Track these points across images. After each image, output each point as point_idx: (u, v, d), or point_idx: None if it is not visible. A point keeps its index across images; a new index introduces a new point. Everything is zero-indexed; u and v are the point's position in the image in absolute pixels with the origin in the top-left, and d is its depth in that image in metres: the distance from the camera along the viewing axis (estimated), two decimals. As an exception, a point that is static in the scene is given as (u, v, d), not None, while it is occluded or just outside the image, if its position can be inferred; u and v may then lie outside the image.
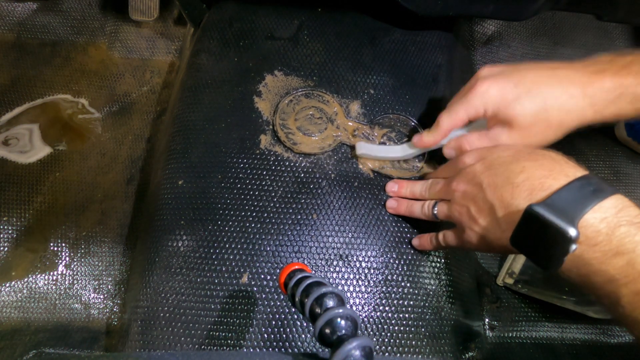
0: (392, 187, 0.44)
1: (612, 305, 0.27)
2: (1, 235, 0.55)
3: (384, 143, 0.47)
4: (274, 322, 0.39)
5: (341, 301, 0.22)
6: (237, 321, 0.39)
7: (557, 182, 0.29)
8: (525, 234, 0.28)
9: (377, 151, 0.45)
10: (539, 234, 0.27)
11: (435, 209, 0.39)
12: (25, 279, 0.54)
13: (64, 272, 0.55)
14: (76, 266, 0.55)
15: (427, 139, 0.42)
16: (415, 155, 0.46)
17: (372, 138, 0.47)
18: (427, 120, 0.49)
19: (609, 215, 0.26)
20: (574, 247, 0.26)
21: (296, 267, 0.26)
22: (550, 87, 0.35)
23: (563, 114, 0.35)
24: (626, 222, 0.26)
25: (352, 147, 0.46)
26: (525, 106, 0.35)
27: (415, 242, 0.43)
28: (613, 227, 0.26)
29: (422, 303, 0.42)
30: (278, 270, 0.41)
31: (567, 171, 0.30)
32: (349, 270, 0.42)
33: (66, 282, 0.54)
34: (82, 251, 0.56)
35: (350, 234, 0.43)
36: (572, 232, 0.25)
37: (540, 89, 0.35)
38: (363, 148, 0.45)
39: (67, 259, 0.56)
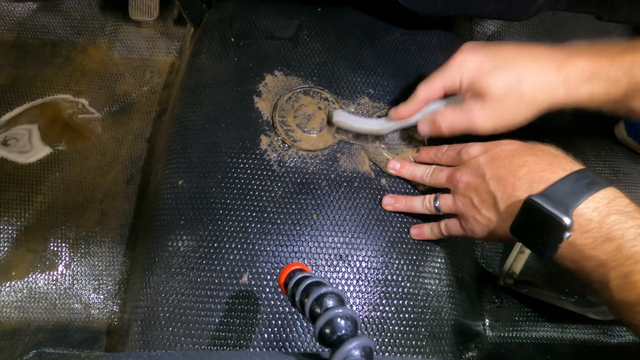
0: (394, 164, 0.44)
1: (602, 289, 0.28)
2: (1, 235, 0.55)
3: (385, 137, 0.47)
4: (274, 322, 0.39)
5: (341, 301, 0.22)
6: (237, 321, 0.39)
7: (555, 175, 0.31)
8: (524, 223, 0.30)
9: (354, 121, 0.44)
10: (537, 223, 0.29)
11: (437, 202, 0.39)
12: (25, 279, 0.54)
13: (64, 272, 0.55)
14: (76, 266, 0.55)
15: (403, 109, 0.42)
16: (392, 130, 0.45)
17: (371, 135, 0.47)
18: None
19: (601, 205, 0.28)
20: (567, 234, 0.28)
21: (296, 267, 0.26)
22: (526, 62, 0.36)
23: (536, 89, 0.36)
24: (616, 211, 0.28)
25: (362, 149, 0.46)
26: (500, 78, 0.36)
27: (414, 231, 0.43)
28: (604, 215, 0.28)
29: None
30: (278, 270, 0.41)
31: (565, 165, 0.31)
32: (349, 270, 0.42)
33: (66, 282, 0.54)
34: (82, 251, 0.56)
35: (350, 234, 0.43)
36: (566, 221, 0.27)
37: (516, 63, 0.36)
38: (340, 116, 0.44)
39: (67, 259, 0.56)
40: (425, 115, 0.42)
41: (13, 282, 0.54)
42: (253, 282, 0.41)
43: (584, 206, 0.28)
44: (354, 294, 0.41)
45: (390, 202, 0.43)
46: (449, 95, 0.41)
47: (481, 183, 0.34)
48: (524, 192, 0.31)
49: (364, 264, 0.42)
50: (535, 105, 0.36)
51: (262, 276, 0.41)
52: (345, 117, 0.44)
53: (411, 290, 0.42)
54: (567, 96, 0.36)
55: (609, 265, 0.27)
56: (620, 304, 0.27)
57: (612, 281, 0.27)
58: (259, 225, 0.42)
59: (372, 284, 0.41)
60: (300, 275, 0.25)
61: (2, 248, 0.55)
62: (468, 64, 0.37)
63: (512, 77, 0.36)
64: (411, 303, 0.41)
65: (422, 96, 0.40)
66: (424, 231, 0.42)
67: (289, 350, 0.39)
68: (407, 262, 0.43)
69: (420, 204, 0.41)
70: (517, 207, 0.30)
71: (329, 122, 0.46)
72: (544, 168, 0.32)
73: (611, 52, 0.35)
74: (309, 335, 0.39)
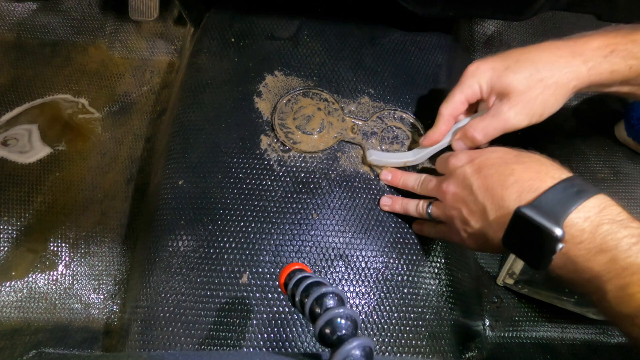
0: (386, 175, 0.44)
1: (600, 301, 0.28)
2: (1, 235, 0.55)
3: (385, 138, 0.47)
4: (274, 322, 0.39)
5: (341, 301, 0.22)
6: (237, 321, 0.39)
7: (543, 184, 0.30)
8: (515, 235, 0.30)
9: (388, 157, 0.45)
10: (528, 235, 0.28)
11: (429, 208, 0.39)
12: (25, 279, 0.54)
13: (64, 272, 0.55)
14: (76, 266, 0.55)
15: (432, 134, 0.42)
16: (428, 157, 0.44)
17: (371, 135, 0.47)
18: (427, 118, 0.49)
19: (592, 215, 0.28)
20: (560, 245, 0.27)
21: (296, 267, 0.26)
22: (538, 53, 0.37)
23: (556, 72, 0.36)
24: (608, 220, 0.27)
25: (361, 149, 0.46)
26: (518, 73, 0.36)
27: (417, 226, 0.44)
28: (596, 225, 0.27)
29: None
30: (278, 270, 0.41)
31: (552, 173, 0.31)
32: (349, 270, 0.42)
33: (66, 282, 0.54)
34: (82, 251, 0.56)
35: (350, 233, 0.43)
36: (557, 231, 0.26)
37: (527, 56, 0.37)
38: (374, 155, 0.45)
39: (67, 259, 0.56)
40: (455, 133, 0.41)
41: (13, 282, 0.54)
42: (253, 282, 0.41)
43: (575, 216, 0.28)
44: (354, 294, 0.41)
45: (387, 203, 0.44)
46: (471, 111, 0.42)
47: (469, 194, 0.34)
48: (512, 202, 0.31)
49: (363, 264, 0.42)
50: (561, 88, 0.36)
51: (262, 276, 0.41)
52: (379, 156, 0.45)
53: (411, 290, 0.42)
54: (590, 73, 0.35)
55: (605, 277, 0.27)
56: (618, 316, 0.27)
57: (609, 293, 0.26)
58: (259, 225, 0.42)
59: (372, 284, 0.41)
60: (300, 275, 0.25)
61: (2, 248, 0.55)
62: (481, 69, 0.38)
63: (529, 68, 0.36)
64: (411, 303, 0.41)
65: (447, 113, 0.40)
66: (424, 228, 0.43)
67: (289, 350, 0.39)
68: (407, 262, 0.43)
69: (414, 207, 0.41)
70: (507, 218, 0.30)
71: (364, 162, 0.46)
72: (532, 177, 0.31)
73: (622, 32, 0.35)
74: (309, 335, 0.39)
